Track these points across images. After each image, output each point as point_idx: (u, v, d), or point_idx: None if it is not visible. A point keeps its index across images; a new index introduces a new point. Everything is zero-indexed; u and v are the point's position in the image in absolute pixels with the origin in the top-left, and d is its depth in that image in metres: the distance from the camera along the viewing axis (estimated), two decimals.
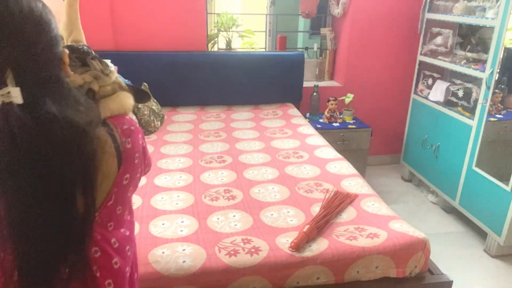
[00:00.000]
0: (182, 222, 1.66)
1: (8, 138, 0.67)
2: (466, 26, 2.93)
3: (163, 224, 1.64)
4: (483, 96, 2.53)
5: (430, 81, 3.21)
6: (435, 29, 3.11)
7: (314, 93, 3.42)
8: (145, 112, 2.65)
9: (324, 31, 3.70)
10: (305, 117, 3.33)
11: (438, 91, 3.07)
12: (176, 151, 2.42)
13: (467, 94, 2.81)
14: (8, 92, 0.66)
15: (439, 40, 3.08)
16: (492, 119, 2.67)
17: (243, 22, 3.72)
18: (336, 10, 3.50)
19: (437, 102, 3.05)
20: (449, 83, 3.00)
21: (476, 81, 2.71)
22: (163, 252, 1.45)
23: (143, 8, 3.13)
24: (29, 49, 0.70)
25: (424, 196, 3.27)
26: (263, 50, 3.89)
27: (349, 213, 1.75)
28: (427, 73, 3.25)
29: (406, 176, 3.54)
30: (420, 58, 3.25)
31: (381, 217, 1.72)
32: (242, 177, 2.08)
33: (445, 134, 2.96)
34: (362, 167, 3.21)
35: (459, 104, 2.87)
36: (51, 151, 0.71)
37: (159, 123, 2.80)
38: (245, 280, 1.43)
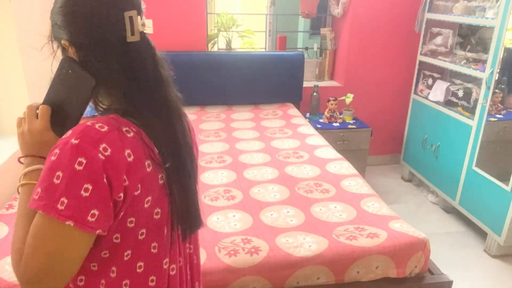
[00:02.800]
0: None
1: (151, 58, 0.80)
2: (466, 26, 2.93)
3: None
4: (483, 96, 2.53)
5: (430, 81, 3.21)
6: (435, 29, 3.11)
7: (314, 93, 3.42)
8: None
9: (324, 31, 3.70)
10: (305, 117, 3.33)
11: (438, 91, 3.07)
12: None
13: (467, 94, 2.81)
14: (143, 24, 0.77)
15: (439, 40, 3.08)
16: (492, 119, 2.67)
17: (243, 22, 3.72)
18: (336, 10, 3.50)
19: (437, 102, 3.05)
20: (449, 83, 3.00)
21: (476, 81, 2.71)
22: None
23: None
24: None
25: (424, 196, 3.27)
26: (263, 50, 3.89)
27: (349, 213, 1.75)
28: (427, 73, 3.25)
29: (406, 176, 3.54)
30: (420, 58, 3.25)
31: (381, 217, 1.72)
32: (242, 177, 2.08)
33: (445, 134, 2.95)
34: (362, 167, 3.21)
35: (459, 104, 2.87)
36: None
37: None
38: (245, 280, 1.43)
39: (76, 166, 0.67)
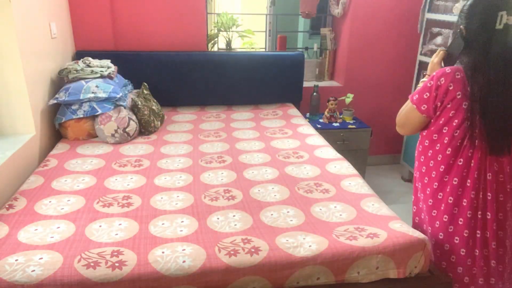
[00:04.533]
0: (182, 222, 1.66)
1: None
2: None
3: (163, 224, 1.64)
4: None
5: None
6: (435, 29, 3.11)
7: (314, 93, 3.43)
8: (145, 112, 2.65)
9: (324, 31, 3.70)
10: (305, 117, 3.33)
11: None
12: (176, 151, 2.42)
13: None
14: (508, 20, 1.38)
15: (439, 40, 3.08)
16: None
17: (243, 22, 3.72)
18: (336, 10, 3.50)
19: None
20: None
21: None
22: (163, 252, 1.45)
23: (143, 8, 3.13)
24: None
25: None
26: (263, 50, 3.89)
27: (349, 213, 1.75)
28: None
29: (406, 176, 3.54)
30: (420, 58, 3.25)
31: (381, 217, 1.72)
32: (242, 177, 2.08)
33: None
34: (362, 167, 3.21)
35: None
36: None
37: (159, 123, 2.80)
38: (245, 280, 1.43)
39: (428, 83, 1.50)
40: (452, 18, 2.85)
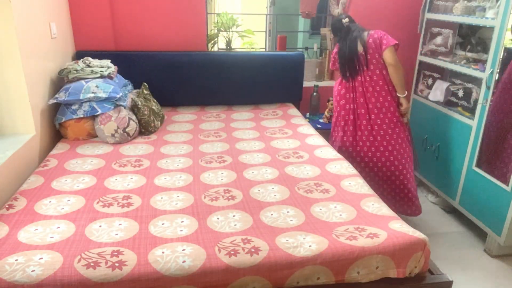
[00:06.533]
0: (182, 222, 1.66)
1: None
2: (466, 26, 2.93)
3: (163, 224, 1.64)
4: (483, 96, 2.53)
5: (430, 81, 3.21)
6: (435, 29, 3.11)
7: (314, 93, 3.42)
8: (145, 112, 2.65)
9: (324, 31, 3.70)
10: (305, 117, 3.33)
11: (438, 91, 3.07)
12: (176, 151, 2.42)
13: (467, 94, 2.81)
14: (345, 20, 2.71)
15: (439, 40, 3.08)
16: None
17: (243, 22, 3.72)
18: (336, 10, 3.50)
19: (437, 102, 3.05)
20: (449, 83, 3.00)
21: (476, 81, 2.71)
22: (163, 252, 1.45)
23: (143, 8, 3.13)
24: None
25: (424, 196, 3.27)
26: (263, 50, 3.89)
27: (349, 213, 1.75)
28: (427, 73, 3.25)
29: None
30: (420, 58, 3.25)
31: (381, 217, 1.72)
32: (242, 177, 2.08)
33: (445, 134, 2.95)
34: None
35: (459, 104, 2.87)
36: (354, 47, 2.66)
37: (159, 123, 2.80)
38: (245, 280, 1.43)
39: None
40: (452, 18, 2.85)
